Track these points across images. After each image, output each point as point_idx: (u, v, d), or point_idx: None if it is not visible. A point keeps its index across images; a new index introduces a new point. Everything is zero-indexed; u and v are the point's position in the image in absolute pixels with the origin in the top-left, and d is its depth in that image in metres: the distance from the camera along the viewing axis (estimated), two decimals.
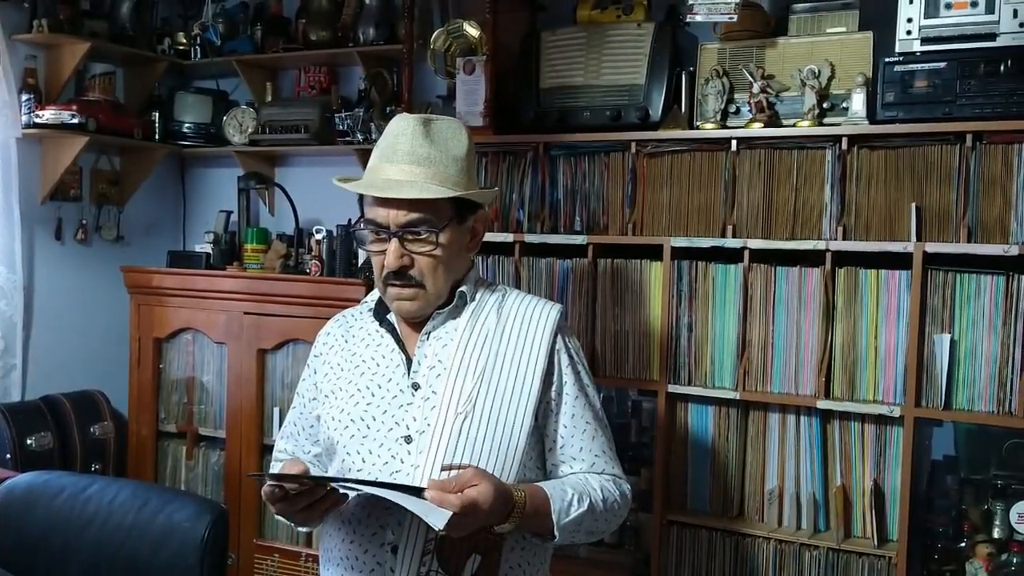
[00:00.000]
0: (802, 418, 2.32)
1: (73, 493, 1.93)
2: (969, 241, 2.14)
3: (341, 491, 1.42)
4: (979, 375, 2.12)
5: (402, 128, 1.49)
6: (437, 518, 1.27)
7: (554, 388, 1.52)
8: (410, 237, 1.47)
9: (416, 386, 1.50)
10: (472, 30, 2.76)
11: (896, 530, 2.18)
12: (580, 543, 1.55)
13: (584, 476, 1.52)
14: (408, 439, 1.47)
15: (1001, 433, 2.20)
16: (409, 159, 1.47)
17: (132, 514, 1.87)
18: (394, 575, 1.42)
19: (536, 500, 1.41)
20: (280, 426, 3.02)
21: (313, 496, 1.37)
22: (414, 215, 1.45)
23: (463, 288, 1.55)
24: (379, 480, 1.43)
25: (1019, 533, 2.10)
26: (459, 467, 1.38)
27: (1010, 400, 2.08)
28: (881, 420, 2.22)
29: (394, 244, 1.47)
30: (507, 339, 1.52)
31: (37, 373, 3.26)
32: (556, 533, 1.42)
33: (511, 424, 1.47)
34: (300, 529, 1.65)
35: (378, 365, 1.55)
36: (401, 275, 1.48)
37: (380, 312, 1.59)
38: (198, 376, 3.28)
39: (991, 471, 2.24)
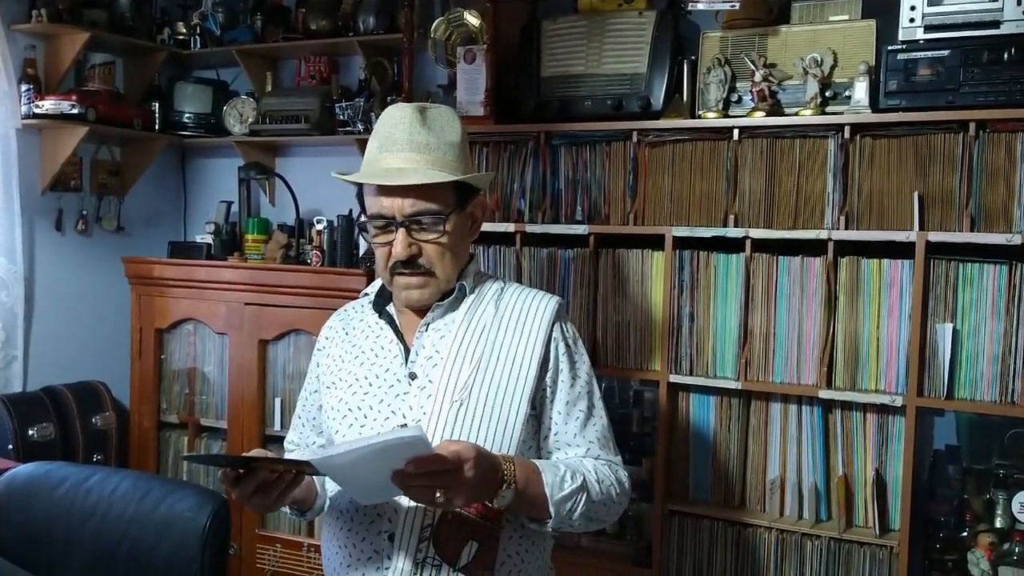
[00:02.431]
0: (804, 408, 2.31)
1: (74, 484, 1.93)
2: (972, 230, 2.13)
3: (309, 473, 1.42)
4: (981, 364, 2.11)
5: (399, 117, 1.49)
6: (411, 431, 1.26)
7: (549, 376, 1.52)
8: (416, 227, 1.47)
9: (413, 376, 1.51)
10: (473, 19, 2.75)
11: (898, 519, 2.18)
12: (579, 530, 1.53)
13: (578, 459, 1.52)
14: (404, 427, 1.47)
15: (1004, 423, 2.19)
16: (408, 147, 1.47)
17: (133, 505, 1.87)
18: (391, 562, 1.43)
19: (527, 471, 1.41)
20: (281, 416, 3.05)
21: (256, 480, 1.35)
22: (420, 204, 1.45)
23: (463, 281, 1.55)
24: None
25: (1021, 522, 2.10)
26: None
27: (1013, 389, 2.08)
28: (883, 410, 2.22)
29: (401, 234, 1.46)
30: (504, 330, 1.52)
31: (38, 364, 3.27)
32: (551, 510, 1.42)
33: (506, 412, 1.47)
34: (296, 517, 1.66)
35: (377, 356, 1.56)
36: (410, 263, 1.48)
37: (379, 304, 1.60)
38: (199, 367, 3.28)
39: (993, 460, 2.24)
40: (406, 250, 1.47)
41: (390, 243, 1.48)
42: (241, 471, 1.35)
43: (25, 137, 3.15)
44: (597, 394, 1.58)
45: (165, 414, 3.35)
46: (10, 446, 2.96)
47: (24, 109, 3.10)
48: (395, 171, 1.46)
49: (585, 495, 1.46)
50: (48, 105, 3.10)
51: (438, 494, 1.28)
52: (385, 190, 1.46)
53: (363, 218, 1.54)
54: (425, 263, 1.48)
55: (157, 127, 3.49)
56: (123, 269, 3.34)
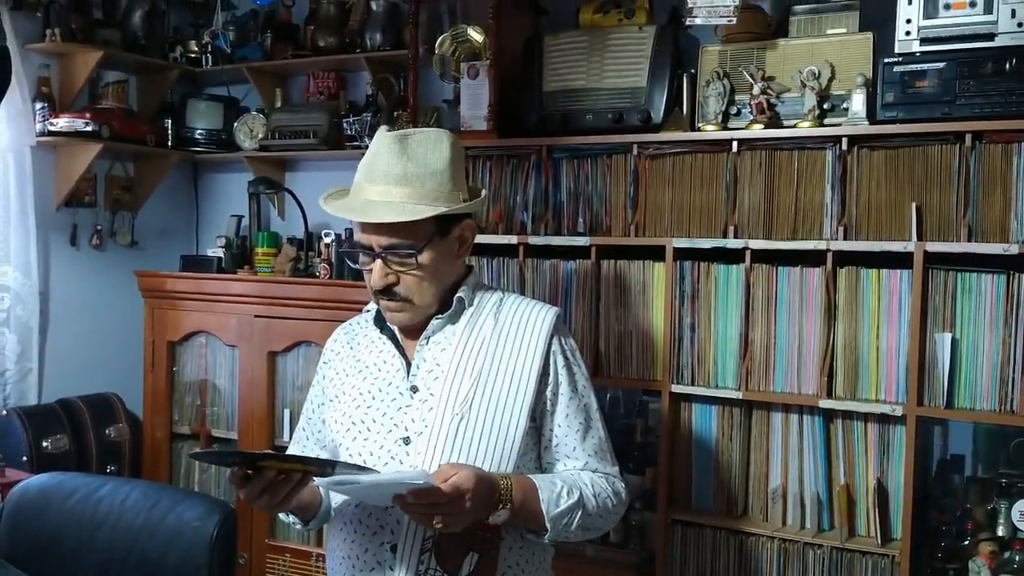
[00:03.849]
0: (805, 417, 2.32)
1: (86, 494, 1.98)
2: (969, 240, 2.15)
3: (317, 481, 1.46)
4: (981, 374, 2.12)
5: (379, 147, 1.52)
6: (414, 478, 1.32)
7: (549, 389, 1.55)
8: (392, 258, 1.50)
9: (415, 389, 1.54)
10: (476, 35, 2.79)
11: (900, 529, 2.19)
12: (574, 540, 1.57)
13: (576, 472, 1.55)
14: (407, 440, 1.50)
15: (1016, 432, 2.20)
16: (385, 179, 1.49)
17: (143, 514, 1.91)
18: (394, 573, 1.46)
19: (524, 489, 1.45)
20: (290, 427, 3.09)
21: (264, 480, 1.38)
22: (394, 239, 1.49)
23: (460, 294, 1.58)
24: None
25: (1021, 531, 2.11)
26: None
27: (1012, 399, 2.08)
28: (884, 419, 2.23)
29: (378, 264, 1.50)
30: (504, 343, 1.55)
31: (53, 376, 3.32)
32: (547, 525, 1.45)
33: (506, 425, 1.50)
34: (298, 527, 1.68)
35: (379, 370, 1.59)
36: (387, 292, 1.52)
37: (380, 319, 1.63)
38: (211, 378, 3.33)
39: (999, 470, 2.24)
40: (382, 280, 1.51)
41: (372, 270, 1.52)
42: (249, 471, 1.39)
43: (40, 154, 3.22)
44: (594, 405, 1.60)
45: (177, 425, 3.40)
46: (24, 458, 3.01)
47: (39, 127, 3.16)
48: (371, 204, 1.49)
49: (581, 510, 1.49)
50: (62, 123, 3.16)
51: (436, 520, 1.33)
52: (363, 223, 1.50)
53: (350, 246, 1.58)
54: (402, 291, 1.52)
55: (170, 143, 3.54)
56: (136, 283, 3.40)
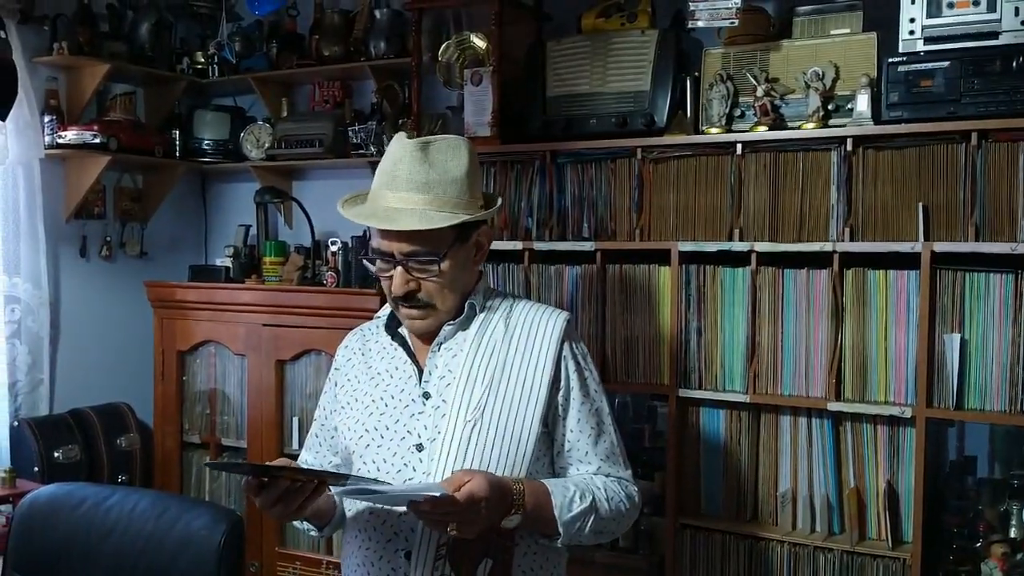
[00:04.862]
0: (813, 420, 2.31)
1: (95, 503, 1.98)
2: (977, 240, 2.13)
3: (334, 491, 1.46)
4: (990, 374, 2.10)
5: (400, 154, 1.51)
6: (430, 490, 1.33)
7: (561, 394, 1.55)
8: (414, 265, 1.50)
9: (427, 395, 1.54)
10: (479, 42, 2.79)
11: (911, 531, 2.17)
12: (587, 543, 1.57)
13: (589, 476, 1.55)
14: (420, 447, 1.50)
15: None
16: (408, 186, 1.49)
17: (151, 523, 1.91)
18: None
19: (537, 493, 1.45)
20: (299, 435, 3.10)
21: (278, 488, 1.39)
22: (416, 246, 1.48)
23: (472, 300, 1.58)
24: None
25: None
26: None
27: (1022, 399, 2.07)
28: (893, 421, 2.21)
29: (399, 271, 1.50)
30: (515, 348, 1.55)
31: (64, 387, 3.34)
32: (559, 529, 1.45)
33: (519, 431, 1.50)
34: (312, 534, 1.69)
35: (391, 376, 1.59)
36: (409, 298, 1.52)
37: (391, 326, 1.63)
38: (220, 387, 3.34)
39: (1012, 471, 2.23)
40: (403, 287, 1.51)
41: (392, 276, 1.52)
42: (264, 479, 1.39)
43: (49, 167, 3.24)
44: (606, 410, 1.60)
45: (187, 434, 3.41)
46: (36, 468, 3.03)
47: (47, 139, 3.18)
48: (393, 211, 1.49)
49: (594, 515, 1.49)
50: (71, 135, 3.19)
51: (450, 527, 1.34)
52: (384, 230, 1.49)
53: (369, 252, 1.57)
54: (424, 297, 1.52)
55: (177, 154, 3.57)
56: (146, 293, 3.41)
